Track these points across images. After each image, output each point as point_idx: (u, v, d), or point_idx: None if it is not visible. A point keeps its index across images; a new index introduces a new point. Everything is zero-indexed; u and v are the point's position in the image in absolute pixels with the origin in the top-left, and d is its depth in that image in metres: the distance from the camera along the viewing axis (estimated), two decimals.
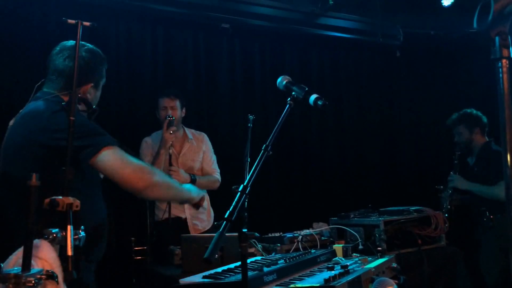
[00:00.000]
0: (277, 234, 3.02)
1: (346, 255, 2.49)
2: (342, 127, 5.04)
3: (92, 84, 1.97)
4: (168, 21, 4.22)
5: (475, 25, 1.02)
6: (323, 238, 3.03)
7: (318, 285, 1.67)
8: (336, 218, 3.33)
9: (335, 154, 4.97)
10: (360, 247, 2.91)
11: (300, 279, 1.82)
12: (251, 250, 2.78)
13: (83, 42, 1.96)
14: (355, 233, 3.01)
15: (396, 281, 1.83)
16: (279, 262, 2.00)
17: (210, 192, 3.63)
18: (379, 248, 2.77)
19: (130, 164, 1.82)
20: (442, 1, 4.29)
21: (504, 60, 0.98)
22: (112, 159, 1.76)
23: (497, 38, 0.98)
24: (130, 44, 4.06)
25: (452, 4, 4.26)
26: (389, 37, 4.89)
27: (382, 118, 5.24)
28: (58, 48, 1.96)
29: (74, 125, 1.48)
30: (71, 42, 1.94)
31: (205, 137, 3.67)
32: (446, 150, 4.31)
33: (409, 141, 5.32)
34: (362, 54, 5.18)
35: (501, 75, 0.99)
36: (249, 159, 3.10)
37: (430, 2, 4.49)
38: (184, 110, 3.54)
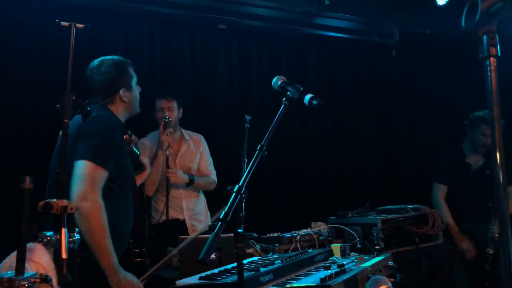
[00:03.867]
0: (275, 234, 3.03)
1: (344, 254, 2.50)
2: (339, 126, 5.05)
3: (123, 89, 2.31)
4: (165, 23, 4.22)
5: (463, 24, 1.02)
6: (321, 237, 3.04)
7: (314, 284, 1.67)
8: (334, 218, 3.34)
9: (333, 153, 4.97)
10: (358, 246, 2.92)
11: (297, 278, 1.82)
12: (249, 250, 2.78)
13: (106, 57, 2.33)
14: (353, 232, 3.02)
15: (392, 280, 1.83)
16: (276, 262, 2.00)
17: (207, 193, 3.64)
18: (377, 247, 2.78)
19: (89, 183, 1.94)
20: (437, 1, 4.30)
21: (491, 59, 0.99)
22: (82, 170, 1.96)
23: (484, 37, 0.98)
24: (127, 45, 4.06)
25: (447, 4, 4.27)
26: (385, 36, 4.89)
27: (378, 116, 5.24)
28: (87, 71, 2.31)
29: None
30: (94, 63, 2.31)
31: (202, 138, 3.67)
32: (442, 148, 4.31)
33: (406, 139, 5.33)
34: (358, 53, 5.19)
35: (489, 73, 1.00)
36: (246, 159, 3.10)
37: (425, 1, 4.50)
38: (181, 111, 3.54)
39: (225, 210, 1.51)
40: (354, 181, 4.95)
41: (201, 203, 3.57)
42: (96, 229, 1.91)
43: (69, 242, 1.26)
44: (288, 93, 1.86)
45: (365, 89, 5.21)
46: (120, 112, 2.32)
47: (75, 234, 1.31)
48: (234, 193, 1.56)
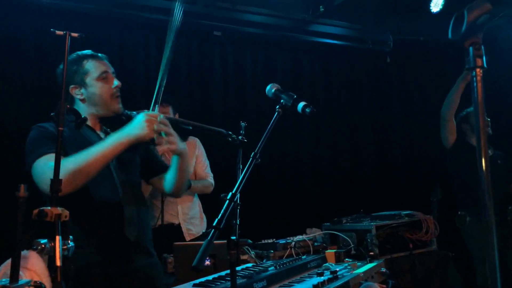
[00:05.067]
0: (270, 241, 3.03)
1: (338, 260, 2.51)
2: (333, 133, 5.07)
3: (72, 85, 2.06)
4: (160, 29, 4.23)
5: (449, 35, 1.04)
6: (316, 244, 3.05)
7: None
8: (328, 224, 3.35)
9: (327, 160, 4.99)
10: (353, 252, 2.93)
11: (290, 285, 1.83)
12: (244, 257, 2.79)
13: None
14: (347, 239, 3.02)
15: (384, 286, 1.85)
16: (269, 269, 2.01)
17: (202, 199, 3.64)
18: (371, 253, 2.79)
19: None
20: (430, 8, 4.35)
21: (478, 70, 1.01)
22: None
23: (470, 48, 1.01)
24: (123, 52, 4.09)
25: (441, 11, 4.33)
26: (379, 43, 4.95)
27: (373, 123, 5.27)
28: None
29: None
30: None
31: (197, 141, 3.68)
32: (437, 154, 4.33)
33: (400, 145, 5.36)
34: (353, 60, 5.23)
35: (475, 83, 1.02)
36: (241, 166, 3.11)
37: (419, 8, 4.55)
38: (177, 116, 3.56)
39: (219, 217, 1.51)
40: (348, 187, 4.97)
41: (196, 206, 3.57)
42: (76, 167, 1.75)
43: (63, 250, 1.27)
44: (282, 100, 1.87)
45: (360, 96, 5.24)
46: (84, 111, 2.07)
47: (69, 241, 1.31)
48: (227, 201, 1.57)
